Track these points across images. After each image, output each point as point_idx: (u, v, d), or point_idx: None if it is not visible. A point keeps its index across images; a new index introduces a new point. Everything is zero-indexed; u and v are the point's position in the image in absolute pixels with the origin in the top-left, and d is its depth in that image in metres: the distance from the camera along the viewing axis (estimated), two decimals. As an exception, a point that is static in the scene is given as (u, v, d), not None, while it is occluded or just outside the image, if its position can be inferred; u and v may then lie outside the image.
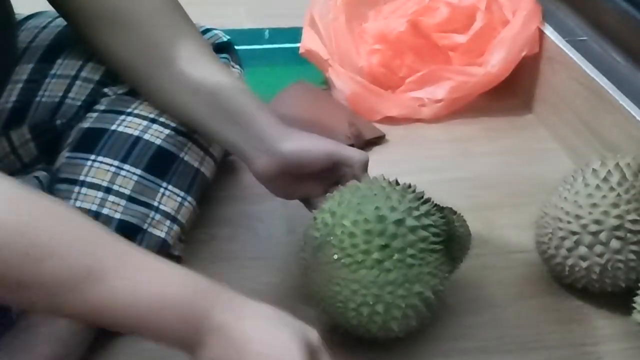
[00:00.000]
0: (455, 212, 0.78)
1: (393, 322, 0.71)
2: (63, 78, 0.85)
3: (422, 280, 0.70)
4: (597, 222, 0.76)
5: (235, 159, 0.95)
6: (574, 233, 0.78)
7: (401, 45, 1.18)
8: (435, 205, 0.75)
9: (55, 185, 0.79)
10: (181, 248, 0.86)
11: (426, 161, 1.08)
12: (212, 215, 0.94)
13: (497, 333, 0.80)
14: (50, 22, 0.89)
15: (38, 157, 0.86)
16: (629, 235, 0.76)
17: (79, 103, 0.84)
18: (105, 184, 0.77)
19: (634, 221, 0.76)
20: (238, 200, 0.97)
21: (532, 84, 1.19)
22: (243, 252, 0.90)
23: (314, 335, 0.59)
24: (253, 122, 0.77)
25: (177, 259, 0.85)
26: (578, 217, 0.77)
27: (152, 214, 0.79)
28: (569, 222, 0.78)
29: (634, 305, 0.73)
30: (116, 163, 0.78)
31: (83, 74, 0.85)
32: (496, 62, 1.15)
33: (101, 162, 0.78)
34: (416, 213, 0.71)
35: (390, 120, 1.16)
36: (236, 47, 0.95)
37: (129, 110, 0.82)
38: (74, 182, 0.78)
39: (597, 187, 0.77)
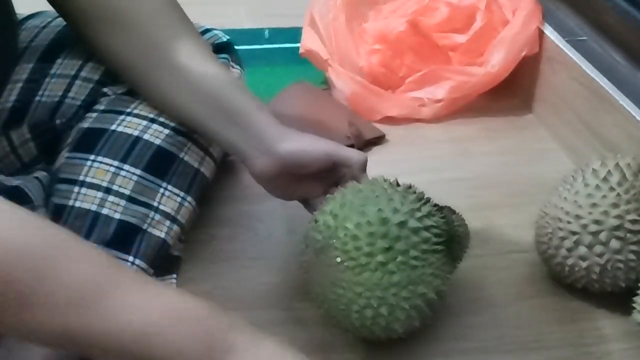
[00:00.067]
0: (454, 212, 0.78)
1: (397, 323, 0.71)
2: (63, 78, 0.85)
3: (425, 281, 0.70)
4: (597, 222, 0.76)
5: (235, 159, 0.95)
6: (573, 233, 0.78)
7: (401, 45, 1.18)
8: (435, 205, 0.75)
9: (55, 185, 0.79)
10: (181, 248, 0.86)
11: (426, 161, 1.08)
12: (212, 215, 0.94)
13: (497, 333, 0.80)
14: (50, 22, 0.90)
15: (38, 157, 0.86)
16: (628, 235, 0.76)
17: (78, 103, 0.84)
18: (105, 184, 0.77)
19: (633, 221, 0.76)
20: (238, 200, 0.97)
21: (532, 84, 1.19)
22: (243, 252, 0.90)
23: None
24: (252, 122, 0.77)
25: (177, 259, 0.85)
26: (578, 217, 0.77)
27: (151, 214, 0.79)
28: (568, 222, 0.78)
29: (633, 305, 0.73)
30: (116, 163, 0.78)
31: (83, 73, 0.85)
32: (496, 62, 1.15)
33: (101, 162, 0.78)
34: (418, 214, 0.71)
35: (390, 120, 1.16)
36: (236, 47, 0.95)
37: (128, 110, 0.82)
38: (73, 182, 0.78)
39: (597, 187, 0.77)
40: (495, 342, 0.79)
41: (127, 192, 0.78)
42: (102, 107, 0.83)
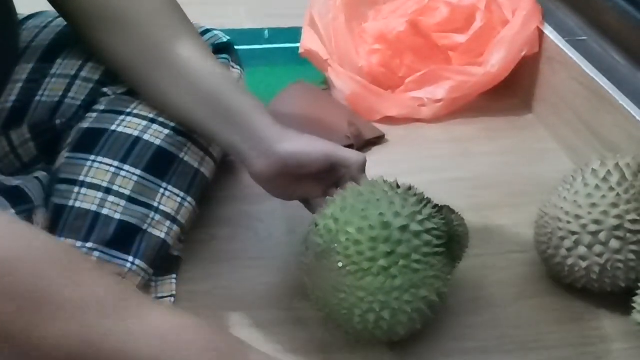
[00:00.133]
0: (453, 212, 0.78)
1: (399, 327, 0.71)
2: (63, 78, 0.85)
3: (427, 284, 0.70)
4: (596, 222, 0.76)
5: (235, 159, 0.95)
6: (573, 233, 0.78)
7: (401, 45, 1.18)
8: (435, 206, 0.75)
9: (55, 185, 0.79)
10: (181, 248, 0.86)
11: (426, 161, 1.08)
12: (212, 215, 0.94)
13: (496, 333, 0.80)
14: (51, 22, 0.90)
15: (38, 157, 0.86)
16: (628, 235, 0.76)
17: (78, 103, 0.84)
18: (105, 184, 0.77)
19: (633, 221, 0.76)
20: (238, 200, 0.97)
21: (532, 83, 1.19)
22: (243, 252, 0.90)
23: None
24: (251, 123, 0.77)
25: (177, 259, 0.85)
26: (578, 217, 0.77)
27: (152, 214, 0.79)
28: (568, 222, 0.78)
29: (633, 305, 0.73)
30: (116, 163, 0.78)
31: (83, 73, 0.85)
32: (496, 62, 1.15)
33: (101, 163, 0.78)
34: (419, 217, 0.70)
35: (390, 120, 1.16)
36: (236, 47, 0.95)
37: (128, 110, 0.82)
38: (73, 182, 0.78)
39: (597, 187, 0.77)
40: (495, 342, 0.79)
41: (127, 192, 0.78)
42: (102, 107, 0.83)
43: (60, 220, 0.76)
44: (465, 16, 1.21)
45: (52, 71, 0.85)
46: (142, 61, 0.80)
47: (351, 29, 1.21)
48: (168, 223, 0.80)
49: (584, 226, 0.77)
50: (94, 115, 0.82)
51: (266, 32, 1.37)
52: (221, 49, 0.91)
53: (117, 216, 0.77)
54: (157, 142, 0.81)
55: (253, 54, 1.27)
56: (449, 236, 0.75)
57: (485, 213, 0.96)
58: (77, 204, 0.77)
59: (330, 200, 0.74)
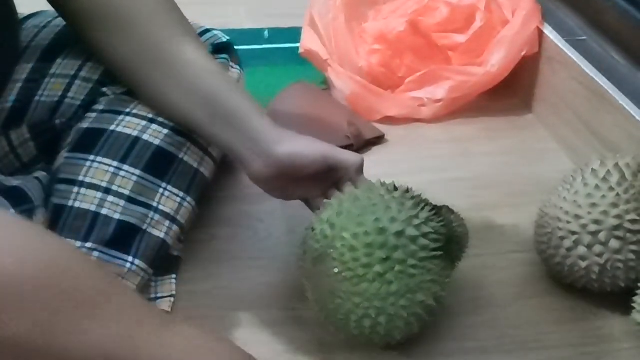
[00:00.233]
0: (452, 212, 0.78)
1: (395, 331, 0.71)
2: (62, 78, 0.85)
3: (423, 288, 0.70)
4: (596, 222, 0.76)
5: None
6: (573, 233, 0.78)
7: (401, 45, 1.18)
8: (433, 206, 0.75)
9: (55, 185, 0.79)
10: (181, 248, 0.86)
11: (426, 161, 1.08)
12: (212, 215, 0.94)
13: (496, 333, 0.80)
14: (50, 21, 0.89)
15: (37, 157, 0.86)
16: (628, 235, 0.76)
17: (78, 103, 0.84)
18: (104, 184, 0.77)
19: (633, 221, 0.76)
20: (238, 200, 0.97)
21: (532, 83, 1.19)
22: (243, 252, 0.89)
23: None
24: (248, 124, 0.76)
25: (177, 259, 0.85)
26: (577, 217, 0.77)
27: (151, 214, 0.79)
28: (568, 222, 0.78)
29: (633, 305, 0.73)
30: (115, 163, 0.78)
31: (82, 73, 0.85)
32: (496, 62, 1.15)
33: (100, 163, 0.78)
34: (416, 222, 0.70)
35: (390, 120, 1.16)
36: (236, 47, 0.95)
37: (127, 110, 0.82)
38: (73, 182, 0.78)
39: (597, 187, 0.77)
40: (495, 342, 0.79)
41: (126, 192, 0.78)
42: (101, 107, 0.83)
43: (59, 221, 0.76)
44: (465, 16, 1.21)
45: (52, 71, 0.85)
46: (140, 61, 0.80)
47: (351, 29, 1.21)
48: (167, 223, 0.80)
49: (584, 226, 0.77)
50: (93, 115, 0.82)
51: (266, 32, 1.37)
52: (221, 49, 0.91)
53: (117, 216, 0.77)
54: (157, 142, 0.81)
55: (253, 54, 1.27)
56: (448, 237, 0.74)
57: (485, 213, 0.96)
58: (77, 204, 0.76)
59: (327, 204, 0.74)
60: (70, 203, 0.77)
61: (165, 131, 0.81)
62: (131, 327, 0.55)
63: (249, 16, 1.44)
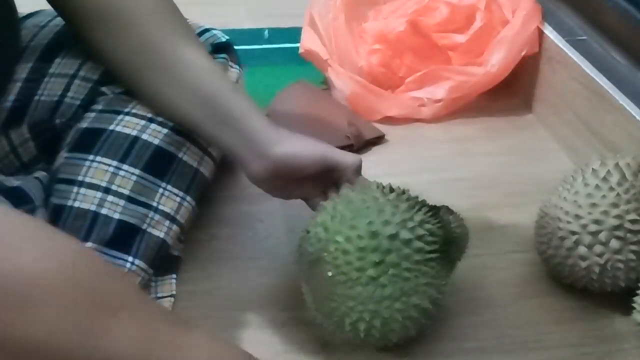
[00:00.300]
0: (452, 212, 0.78)
1: (391, 334, 0.71)
2: (62, 77, 0.85)
3: (419, 291, 0.69)
4: (596, 222, 0.76)
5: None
6: (573, 233, 0.78)
7: (401, 45, 1.18)
8: (431, 207, 0.75)
9: (54, 185, 0.79)
10: (181, 248, 0.86)
11: (426, 161, 1.08)
12: (212, 215, 0.94)
13: (496, 333, 0.80)
14: (50, 21, 0.89)
15: (37, 157, 0.86)
16: (628, 235, 0.76)
17: (77, 102, 0.84)
18: (104, 184, 0.77)
19: (633, 221, 0.76)
20: (238, 200, 0.97)
21: (532, 83, 1.19)
22: (243, 252, 0.89)
23: None
24: (247, 125, 0.76)
25: (177, 259, 0.85)
26: (578, 217, 0.77)
27: (151, 214, 0.79)
28: (568, 222, 0.78)
29: (633, 305, 0.73)
30: (115, 163, 0.78)
31: (81, 73, 0.85)
32: (496, 61, 1.15)
33: (100, 162, 0.78)
34: (410, 224, 0.70)
35: (390, 120, 1.16)
36: (236, 47, 0.94)
37: (127, 109, 0.82)
38: (72, 182, 0.78)
39: (597, 187, 0.77)
40: (495, 342, 0.79)
41: (126, 192, 0.78)
42: (100, 107, 0.83)
43: (59, 220, 0.76)
44: (465, 16, 1.21)
45: (51, 70, 0.85)
46: (139, 61, 0.79)
47: (351, 29, 1.21)
48: (167, 223, 0.80)
49: (584, 226, 0.77)
50: (93, 115, 0.82)
51: (266, 32, 1.36)
52: (220, 49, 0.91)
53: (117, 216, 0.77)
54: (156, 141, 0.81)
55: (253, 54, 1.27)
56: (446, 239, 0.74)
57: (485, 213, 0.96)
58: (76, 204, 0.76)
59: (322, 207, 0.74)
60: (70, 203, 0.77)
61: (165, 131, 0.81)
62: (150, 330, 0.54)
63: (249, 16, 1.44)
